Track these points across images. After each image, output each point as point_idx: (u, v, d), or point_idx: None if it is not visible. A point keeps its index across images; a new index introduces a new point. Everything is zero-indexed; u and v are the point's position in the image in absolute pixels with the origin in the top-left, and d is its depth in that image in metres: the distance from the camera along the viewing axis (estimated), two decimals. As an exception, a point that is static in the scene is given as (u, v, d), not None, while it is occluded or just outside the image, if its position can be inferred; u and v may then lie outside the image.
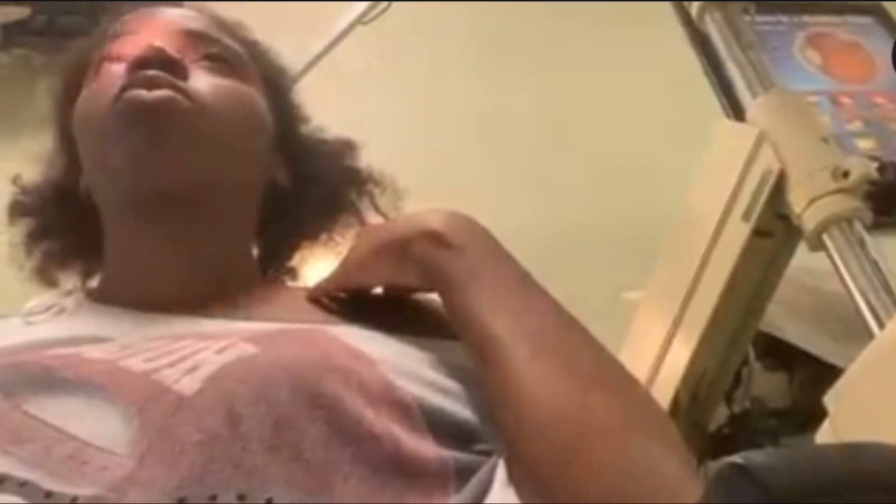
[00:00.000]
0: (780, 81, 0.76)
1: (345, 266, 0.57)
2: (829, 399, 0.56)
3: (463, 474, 0.45)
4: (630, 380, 0.48)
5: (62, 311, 0.58)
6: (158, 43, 0.56)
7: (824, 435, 0.56)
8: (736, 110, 0.81)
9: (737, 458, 0.24)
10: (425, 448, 0.45)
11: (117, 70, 0.57)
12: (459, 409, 0.48)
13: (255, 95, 0.61)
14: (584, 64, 1.63)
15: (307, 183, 0.65)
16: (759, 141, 0.71)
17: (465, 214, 0.54)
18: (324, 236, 0.67)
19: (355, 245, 0.58)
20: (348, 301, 0.58)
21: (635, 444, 0.42)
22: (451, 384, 0.50)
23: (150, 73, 0.54)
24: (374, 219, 0.67)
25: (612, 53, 1.63)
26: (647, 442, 0.43)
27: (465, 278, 0.49)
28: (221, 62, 0.60)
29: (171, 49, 0.57)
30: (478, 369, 0.47)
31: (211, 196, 0.57)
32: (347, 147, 0.69)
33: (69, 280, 0.67)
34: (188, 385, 0.43)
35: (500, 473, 0.44)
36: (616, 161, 1.49)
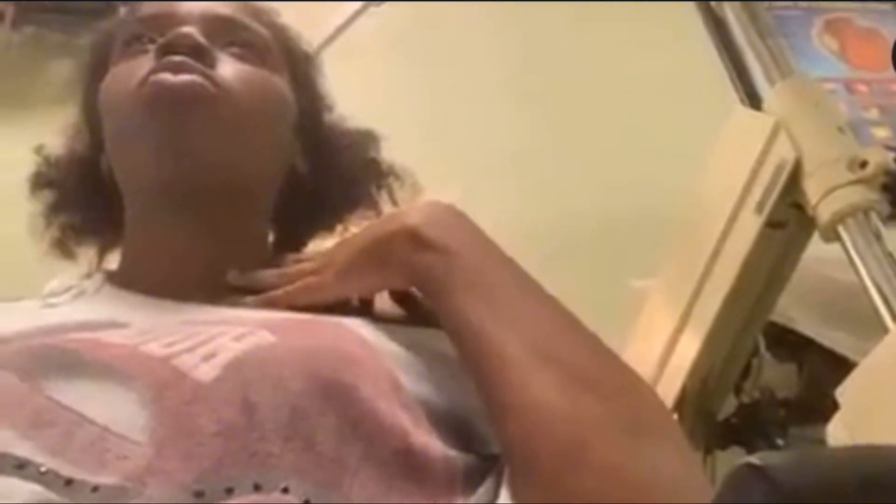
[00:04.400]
0: (797, 68, 0.75)
1: (324, 280, 0.54)
2: (841, 392, 0.56)
3: (470, 476, 0.44)
4: (634, 381, 0.46)
5: (81, 293, 0.58)
6: (187, 29, 0.56)
7: (835, 428, 0.56)
8: (751, 98, 0.80)
9: (752, 459, 0.24)
10: (432, 445, 0.44)
11: (142, 55, 0.57)
12: (461, 409, 0.48)
13: (279, 83, 0.61)
14: (598, 50, 1.61)
15: (326, 172, 0.65)
16: (776, 130, 0.70)
17: (446, 205, 0.51)
18: (339, 227, 0.67)
19: (330, 259, 0.55)
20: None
21: (638, 448, 0.41)
22: (454, 384, 0.49)
23: (177, 58, 0.54)
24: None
25: (626, 39, 1.61)
26: (650, 445, 0.42)
27: (450, 282, 0.47)
28: (249, 49, 0.59)
29: (200, 34, 0.56)
30: (473, 377, 0.46)
31: (231, 182, 0.57)
32: (369, 138, 0.68)
33: (87, 254, 0.67)
34: (206, 372, 0.43)
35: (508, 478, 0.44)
36: (628, 148, 1.48)
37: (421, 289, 0.51)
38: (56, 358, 0.45)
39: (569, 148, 1.52)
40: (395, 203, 0.66)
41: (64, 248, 0.67)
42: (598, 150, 1.47)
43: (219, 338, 0.46)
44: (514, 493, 0.42)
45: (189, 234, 0.57)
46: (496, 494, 0.43)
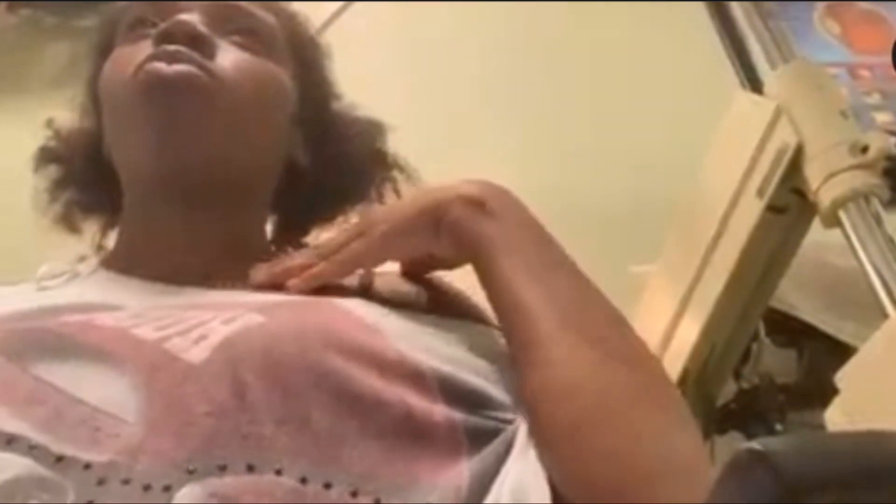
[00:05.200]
0: (799, 52, 0.74)
1: (371, 242, 0.54)
2: (840, 378, 0.56)
3: (476, 437, 0.45)
4: (650, 357, 0.49)
5: (75, 276, 0.58)
6: (187, 16, 0.56)
7: (834, 413, 0.56)
8: (753, 82, 0.79)
9: (753, 444, 0.24)
10: (436, 411, 0.45)
11: (144, 40, 0.57)
12: (472, 378, 0.48)
13: (279, 73, 0.60)
14: (597, 33, 1.60)
15: (329, 162, 0.64)
16: (777, 114, 0.70)
17: (500, 185, 0.54)
18: (339, 217, 0.66)
19: (373, 223, 0.55)
20: (362, 277, 0.58)
21: (652, 418, 0.44)
22: (464, 356, 0.50)
23: (173, 48, 0.54)
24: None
25: (626, 23, 1.60)
26: (663, 418, 0.44)
27: (500, 245, 0.50)
28: (251, 37, 0.59)
29: (202, 21, 0.56)
30: (507, 333, 0.49)
31: (225, 173, 0.57)
32: (376, 129, 0.67)
33: (83, 236, 0.67)
34: (196, 354, 0.43)
35: (521, 436, 0.45)
36: (628, 132, 1.47)
37: (469, 251, 0.52)
38: (46, 340, 0.45)
39: (569, 132, 1.51)
40: (398, 195, 0.66)
41: (68, 222, 0.66)
42: (598, 134, 1.47)
43: (209, 321, 0.46)
44: (536, 447, 0.44)
45: (183, 224, 0.57)
46: (506, 454, 0.44)
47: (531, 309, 0.47)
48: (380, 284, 0.56)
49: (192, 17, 0.56)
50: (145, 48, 0.55)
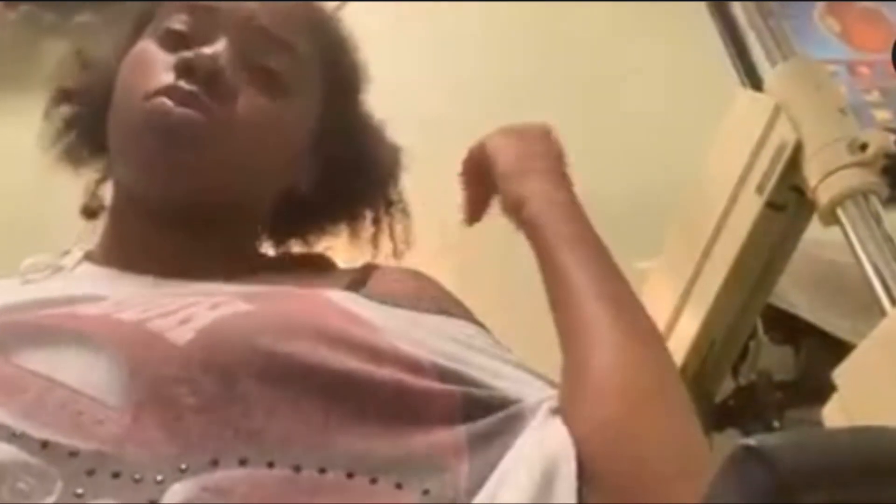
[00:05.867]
0: (799, 50, 0.74)
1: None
2: (839, 375, 0.56)
3: (474, 407, 0.45)
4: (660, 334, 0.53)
5: (59, 270, 0.58)
6: (211, 50, 0.55)
7: (832, 410, 0.56)
8: (753, 79, 0.79)
9: (750, 441, 0.24)
10: (431, 386, 0.45)
11: (165, 59, 0.56)
12: (471, 370, 0.48)
13: (295, 115, 0.60)
14: (598, 29, 1.60)
15: (332, 194, 0.65)
16: (777, 112, 0.70)
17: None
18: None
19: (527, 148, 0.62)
20: (355, 276, 0.58)
21: (667, 389, 0.47)
22: (458, 350, 0.50)
23: (188, 88, 0.53)
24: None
25: (627, 20, 1.60)
26: (679, 392, 0.47)
27: (555, 222, 0.55)
28: (274, 76, 0.57)
29: (227, 54, 0.55)
30: (550, 301, 0.52)
31: (213, 205, 0.57)
32: (389, 161, 0.68)
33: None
34: (180, 335, 0.43)
35: (545, 408, 0.45)
36: (629, 128, 1.47)
37: (533, 213, 0.56)
38: (27, 331, 0.45)
39: (570, 129, 1.51)
40: (391, 234, 0.67)
41: (71, 160, 0.66)
42: (599, 130, 1.46)
43: (194, 306, 0.45)
44: (567, 401, 0.46)
45: (166, 239, 0.57)
46: (518, 425, 0.45)
47: (571, 283, 0.51)
48: (369, 280, 0.57)
49: (216, 52, 0.55)
50: (166, 65, 0.55)
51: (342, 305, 0.49)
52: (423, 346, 0.48)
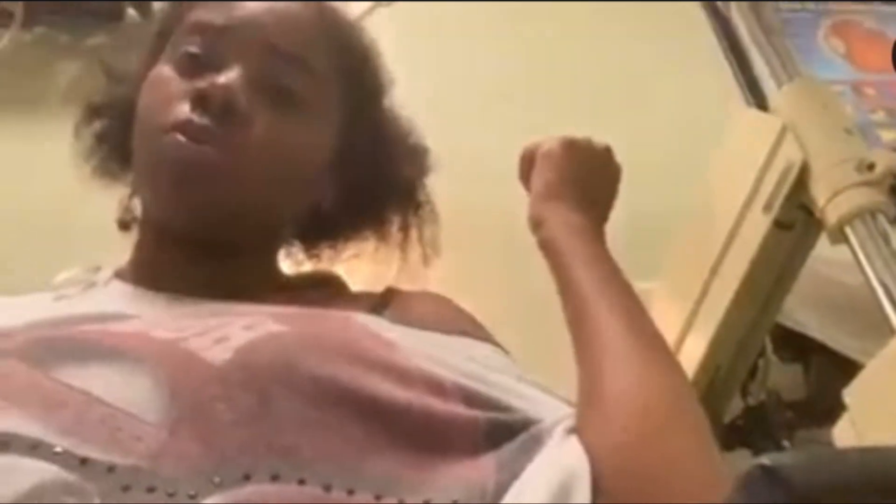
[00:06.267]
0: (804, 70, 0.75)
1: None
2: (848, 394, 0.56)
3: (499, 432, 0.45)
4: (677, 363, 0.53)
5: (91, 286, 0.59)
6: (226, 80, 0.54)
7: (842, 430, 0.56)
8: (758, 99, 0.80)
9: (764, 460, 0.24)
10: (457, 411, 0.45)
11: (180, 87, 0.56)
12: (493, 391, 0.49)
13: (314, 136, 0.59)
14: (603, 49, 1.61)
15: (358, 204, 0.65)
16: (783, 131, 0.70)
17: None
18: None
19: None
20: (376, 300, 0.59)
21: (683, 404, 0.47)
22: (480, 372, 0.50)
23: (203, 122, 0.54)
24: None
25: (631, 38, 1.61)
26: (699, 429, 0.46)
27: (575, 241, 0.57)
28: (291, 97, 0.57)
29: (243, 78, 0.55)
30: (566, 316, 0.53)
31: (237, 234, 0.58)
32: (417, 167, 0.67)
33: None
34: (218, 355, 0.43)
35: (561, 427, 0.45)
36: (633, 148, 1.48)
37: (554, 231, 0.58)
38: (65, 346, 0.45)
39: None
40: (420, 239, 0.67)
41: (106, 172, 0.67)
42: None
43: (228, 326, 0.46)
44: (583, 421, 0.46)
45: (192, 260, 0.57)
46: (537, 445, 0.45)
47: (586, 303, 0.52)
48: (391, 303, 0.57)
49: (229, 79, 0.55)
50: (182, 94, 0.55)
51: (370, 328, 0.50)
52: (446, 367, 0.48)
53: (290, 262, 0.68)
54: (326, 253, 0.68)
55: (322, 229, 0.66)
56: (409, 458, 0.42)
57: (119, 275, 0.60)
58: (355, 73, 0.63)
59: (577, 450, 0.44)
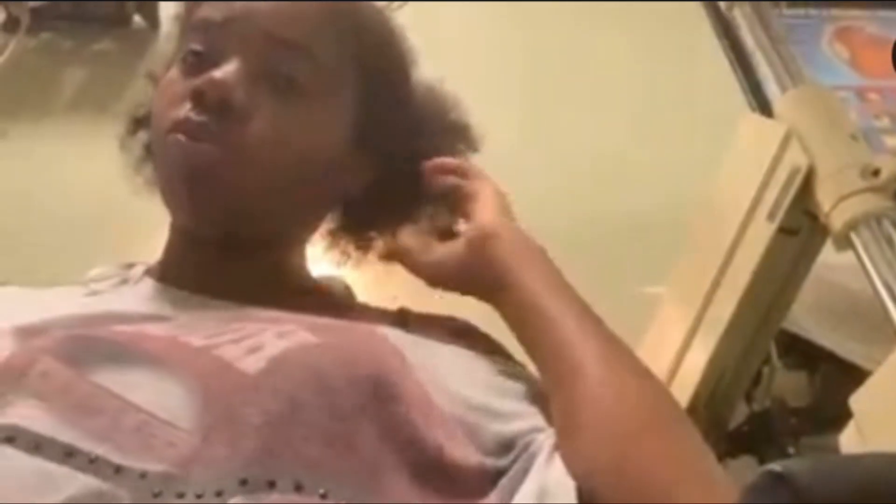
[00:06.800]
0: (808, 75, 0.75)
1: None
2: (855, 401, 0.55)
3: (499, 476, 0.46)
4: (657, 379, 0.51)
5: (124, 282, 0.59)
6: (222, 74, 0.54)
7: (849, 437, 0.56)
8: (762, 104, 0.80)
9: (774, 466, 0.24)
10: (469, 455, 0.46)
11: (182, 86, 0.55)
12: (494, 425, 0.49)
13: (322, 122, 0.58)
14: (607, 54, 1.62)
15: (394, 186, 0.62)
16: (787, 137, 0.70)
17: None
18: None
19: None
20: (395, 317, 0.59)
21: (669, 425, 0.46)
22: (483, 397, 0.50)
23: (201, 119, 0.53)
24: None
25: (635, 43, 1.62)
26: (682, 425, 0.46)
27: (532, 280, 0.54)
28: (298, 85, 0.56)
29: (241, 71, 0.54)
30: (535, 354, 0.52)
31: (256, 229, 0.57)
32: (456, 135, 0.64)
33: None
34: (252, 364, 0.44)
35: (546, 448, 0.46)
36: (638, 153, 1.48)
37: (504, 273, 0.55)
38: (101, 347, 0.46)
39: (579, 153, 1.52)
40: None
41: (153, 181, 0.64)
42: (608, 155, 1.47)
43: (261, 334, 0.47)
44: (562, 453, 0.45)
45: (216, 260, 0.57)
46: (519, 480, 0.45)
47: (557, 330, 0.50)
48: (409, 320, 0.58)
49: (226, 73, 0.54)
50: (183, 94, 0.55)
51: (395, 344, 0.50)
52: (449, 395, 0.49)
53: (339, 253, 0.64)
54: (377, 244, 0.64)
55: (363, 216, 0.63)
56: (420, 488, 0.43)
57: (150, 272, 0.60)
58: (373, 53, 0.60)
59: (559, 472, 0.44)
